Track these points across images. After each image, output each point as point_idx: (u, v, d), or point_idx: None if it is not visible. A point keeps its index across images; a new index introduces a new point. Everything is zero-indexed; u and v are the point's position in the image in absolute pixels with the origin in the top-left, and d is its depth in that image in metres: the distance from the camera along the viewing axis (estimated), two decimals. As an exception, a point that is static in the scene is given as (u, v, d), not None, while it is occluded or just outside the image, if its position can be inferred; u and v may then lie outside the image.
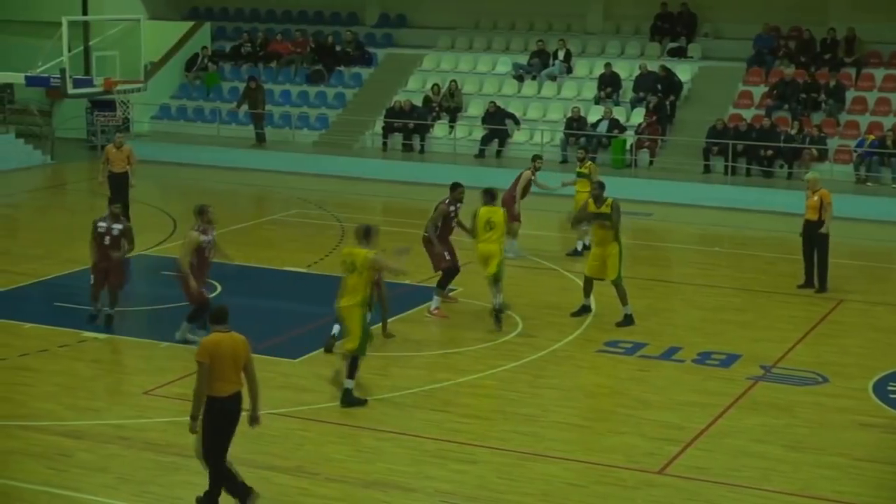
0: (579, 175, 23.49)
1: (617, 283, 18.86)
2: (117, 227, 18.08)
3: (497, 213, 18.78)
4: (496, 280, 18.51)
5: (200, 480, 12.93)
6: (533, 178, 23.09)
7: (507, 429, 14.63)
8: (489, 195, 18.92)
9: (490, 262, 18.57)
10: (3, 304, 19.70)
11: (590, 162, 23.83)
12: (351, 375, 15.16)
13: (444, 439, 14.23)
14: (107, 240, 17.92)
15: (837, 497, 12.88)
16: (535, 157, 23.39)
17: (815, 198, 20.80)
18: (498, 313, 18.47)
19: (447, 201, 19.43)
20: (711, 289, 21.38)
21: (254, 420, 12.05)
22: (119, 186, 24.14)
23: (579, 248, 23.18)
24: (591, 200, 19.07)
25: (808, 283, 21.08)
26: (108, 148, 24.64)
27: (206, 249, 17.21)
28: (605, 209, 18.71)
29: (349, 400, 15.14)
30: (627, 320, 18.87)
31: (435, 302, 19.31)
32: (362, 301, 15.09)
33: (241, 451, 13.68)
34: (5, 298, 20.04)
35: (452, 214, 19.52)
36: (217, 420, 11.71)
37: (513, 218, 22.13)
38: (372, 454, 13.77)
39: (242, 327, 18.16)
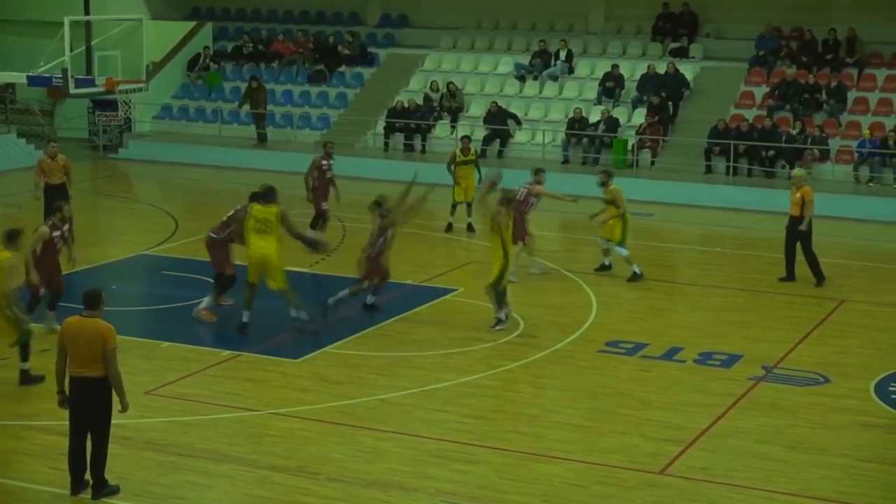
0: (607, 203, 21.70)
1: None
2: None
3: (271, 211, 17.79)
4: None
5: (202, 480, 12.97)
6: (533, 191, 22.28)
7: (509, 429, 14.63)
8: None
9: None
10: (4, 303, 19.70)
11: (614, 185, 21.59)
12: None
13: (445, 439, 14.23)
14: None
15: (839, 497, 12.88)
16: (538, 171, 22.27)
17: (798, 194, 21.20)
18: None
19: (243, 207, 18.55)
20: (713, 289, 21.38)
21: (123, 407, 12.36)
22: (56, 199, 22.17)
23: (606, 263, 21.92)
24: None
25: (788, 277, 21.57)
26: (41, 159, 23.45)
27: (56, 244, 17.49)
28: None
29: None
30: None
31: (206, 302, 18.58)
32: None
33: (242, 451, 13.72)
34: (7, 298, 20.04)
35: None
36: (70, 396, 12.33)
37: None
38: (373, 454, 13.77)
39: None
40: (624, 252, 21.37)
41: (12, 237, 15.66)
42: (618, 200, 21.26)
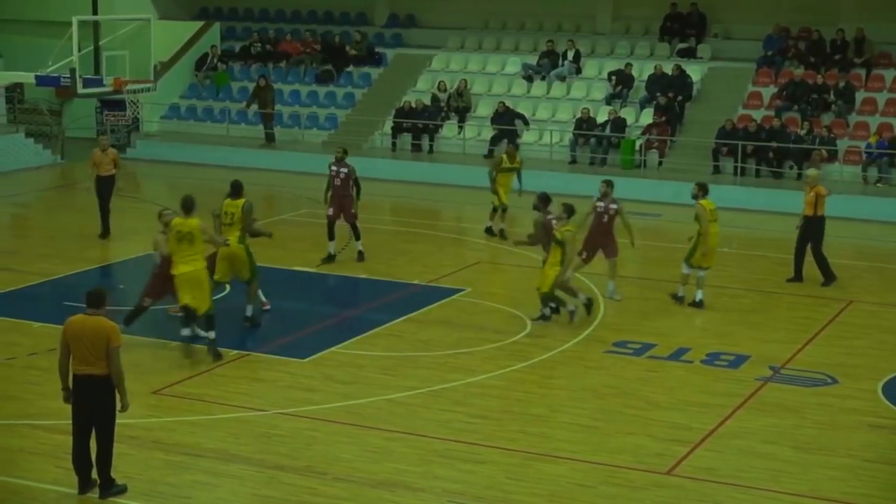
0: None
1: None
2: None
3: None
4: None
5: (210, 480, 12.98)
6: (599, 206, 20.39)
7: (516, 429, 14.64)
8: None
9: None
10: (12, 303, 19.76)
11: (702, 200, 19.85)
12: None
13: (452, 439, 14.23)
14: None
15: (846, 498, 12.87)
16: (604, 182, 20.76)
17: (812, 194, 21.34)
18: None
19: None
20: (720, 290, 21.32)
21: (121, 406, 12.37)
22: (106, 190, 24.29)
23: (679, 293, 20.21)
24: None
25: (796, 278, 21.61)
26: (94, 152, 24.52)
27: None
28: (559, 234, 18.47)
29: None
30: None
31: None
32: None
33: (250, 451, 13.74)
34: (15, 297, 20.10)
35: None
36: (74, 395, 12.33)
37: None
38: (380, 454, 13.78)
39: (251, 327, 18.30)
40: (685, 270, 20.05)
41: (189, 207, 16.66)
42: (699, 217, 19.72)
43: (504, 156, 24.71)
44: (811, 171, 22.26)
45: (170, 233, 16.92)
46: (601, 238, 20.23)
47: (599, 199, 20.36)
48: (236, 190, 18.47)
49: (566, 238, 18.41)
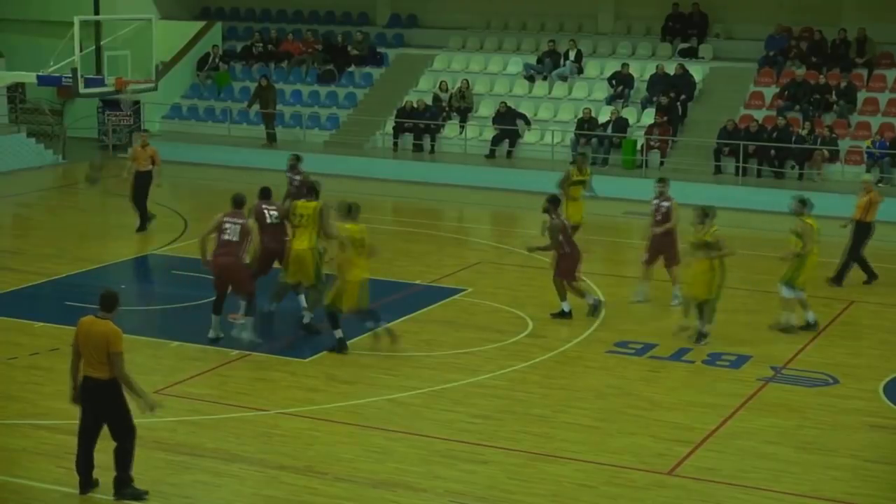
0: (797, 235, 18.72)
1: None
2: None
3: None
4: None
5: (211, 480, 12.98)
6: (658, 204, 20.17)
7: (517, 429, 14.64)
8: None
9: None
10: (14, 303, 19.76)
11: (807, 219, 18.51)
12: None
13: (453, 439, 14.23)
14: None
15: (847, 499, 12.87)
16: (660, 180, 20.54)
17: (866, 198, 21.68)
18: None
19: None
20: (722, 290, 21.29)
21: (147, 407, 12.31)
22: (143, 184, 24.80)
23: (792, 321, 18.70)
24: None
25: (870, 278, 21.93)
26: (134, 147, 25.49)
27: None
28: (708, 237, 17.69)
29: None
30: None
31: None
32: None
33: (251, 451, 13.74)
34: (17, 297, 20.10)
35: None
36: (81, 396, 12.28)
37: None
38: (381, 454, 13.78)
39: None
40: (787, 293, 18.62)
41: (351, 210, 16.96)
42: (803, 236, 18.37)
43: (573, 168, 23.57)
44: (867, 176, 22.50)
45: (347, 240, 16.70)
46: (660, 239, 19.75)
47: (655, 198, 20.18)
48: (313, 191, 17.93)
49: (718, 237, 17.66)
